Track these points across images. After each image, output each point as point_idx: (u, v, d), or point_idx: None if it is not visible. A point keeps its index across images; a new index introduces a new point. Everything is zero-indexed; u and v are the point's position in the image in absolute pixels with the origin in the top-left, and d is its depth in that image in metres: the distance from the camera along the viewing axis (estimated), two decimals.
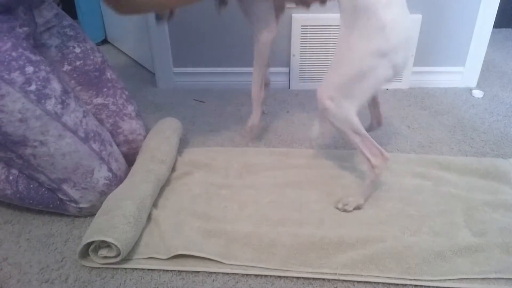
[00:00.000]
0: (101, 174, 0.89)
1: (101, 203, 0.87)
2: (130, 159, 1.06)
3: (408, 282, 0.74)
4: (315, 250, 0.79)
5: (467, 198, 0.94)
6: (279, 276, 0.76)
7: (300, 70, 1.56)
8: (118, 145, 1.03)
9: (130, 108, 1.06)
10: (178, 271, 0.77)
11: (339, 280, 0.75)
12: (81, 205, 0.89)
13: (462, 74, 1.58)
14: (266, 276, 0.76)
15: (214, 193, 0.98)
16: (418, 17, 1.46)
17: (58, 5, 2.72)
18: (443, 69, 1.57)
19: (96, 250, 0.78)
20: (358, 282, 0.74)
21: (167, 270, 0.77)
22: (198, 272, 0.77)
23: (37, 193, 0.89)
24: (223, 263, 0.77)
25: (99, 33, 2.17)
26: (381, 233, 0.83)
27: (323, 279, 0.75)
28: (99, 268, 0.78)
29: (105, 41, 2.20)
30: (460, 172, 1.04)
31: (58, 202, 0.89)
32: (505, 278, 0.73)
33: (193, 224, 0.87)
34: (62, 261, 0.80)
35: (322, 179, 1.02)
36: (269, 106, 1.45)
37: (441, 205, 0.92)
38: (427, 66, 1.57)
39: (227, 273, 0.77)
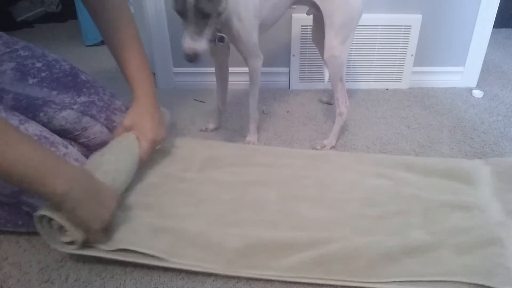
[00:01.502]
0: None
1: None
2: None
3: (354, 284, 0.73)
4: (263, 252, 0.78)
5: (428, 199, 0.93)
6: (279, 280, 0.75)
7: (300, 70, 1.57)
8: None
9: (118, 103, 1.04)
10: (178, 271, 0.77)
11: (284, 281, 0.74)
12: None
13: (462, 74, 1.58)
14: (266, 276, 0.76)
15: (172, 186, 0.95)
16: (418, 17, 1.46)
17: (57, 6, 2.72)
18: (443, 69, 1.57)
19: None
20: (303, 283, 0.74)
21: (167, 270, 0.77)
22: (198, 272, 0.77)
23: (3, 210, 0.83)
24: (166, 260, 0.76)
25: (99, 33, 2.17)
26: (332, 235, 0.82)
27: (268, 280, 0.75)
28: (99, 268, 0.78)
29: None
30: (424, 173, 1.02)
31: (27, 217, 0.83)
32: (452, 281, 0.72)
33: (143, 218, 0.84)
34: (62, 261, 0.80)
35: (285, 179, 1.00)
36: (269, 106, 1.45)
37: (400, 205, 0.91)
38: (427, 66, 1.57)
39: (227, 273, 0.76)
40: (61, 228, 0.73)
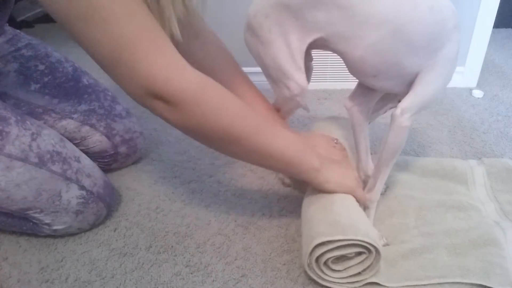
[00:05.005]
0: (72, 194, 0.81)
1: (79, 222, 0.83)
2: (132, 157, 1.05)
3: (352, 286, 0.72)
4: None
5: (421, 199, 0.92)
6: (280, 277, 0.76)
7: None
8: (116, 146, 1.01)
9: (118, 108, 1.03)
10: (178, 270, 0.77)
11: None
12: (54, 227, 0.82)
13: (462, 74, 1.58)
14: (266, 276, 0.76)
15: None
16: None
17: None
18: None
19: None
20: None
21: (166, 270, 0.77)
22: (198, 271, 0.77)
23: (7, 216, 0.82)
24: None
25: None
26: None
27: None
28: (99, 268, 0.78)
29: None
30: (418, 173, 1.02)
31: (32, 223, 0.83)
32: (449, 283, 0.72)
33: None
34: (62, 261, 0.80)
35: None
36: None
37: (393, 206, 0.90)
38: None
39: (227, 273, 0.77)
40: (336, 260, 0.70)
